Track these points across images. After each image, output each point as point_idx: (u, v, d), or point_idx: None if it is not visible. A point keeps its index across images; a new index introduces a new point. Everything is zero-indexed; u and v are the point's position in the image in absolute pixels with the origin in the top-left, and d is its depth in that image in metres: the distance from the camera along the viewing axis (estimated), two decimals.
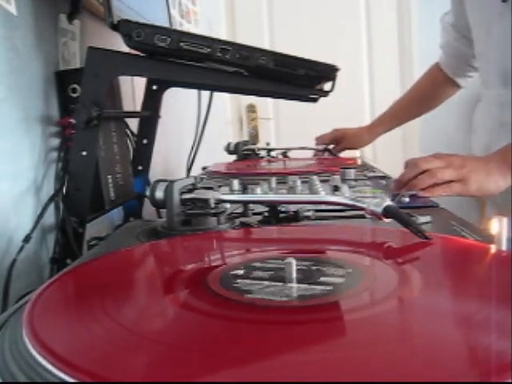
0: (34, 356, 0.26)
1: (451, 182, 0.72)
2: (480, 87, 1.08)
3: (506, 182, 0.76)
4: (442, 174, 0.71)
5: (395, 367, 0.24)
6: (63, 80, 0.77)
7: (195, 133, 1.11)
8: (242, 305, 0.32)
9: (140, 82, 1.01)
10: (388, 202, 0.49)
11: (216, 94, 1.04)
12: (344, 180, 0.86)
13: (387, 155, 2.32)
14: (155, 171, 1.08)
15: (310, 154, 1.40)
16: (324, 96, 0.74)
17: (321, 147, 1.38)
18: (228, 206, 0.58)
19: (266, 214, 0.60)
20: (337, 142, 1.41)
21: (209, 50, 0.65)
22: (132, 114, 1.04)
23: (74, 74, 0.77)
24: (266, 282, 0.35)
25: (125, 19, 0.65)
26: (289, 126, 2.74)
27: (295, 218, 0.59)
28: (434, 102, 1.34)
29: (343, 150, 1.41)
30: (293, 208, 0.60)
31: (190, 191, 0.56)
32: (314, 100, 0.76)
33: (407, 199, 0.67)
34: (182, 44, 0.65)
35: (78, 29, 0.84)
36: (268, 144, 1.53)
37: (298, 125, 2.58)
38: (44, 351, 0.26)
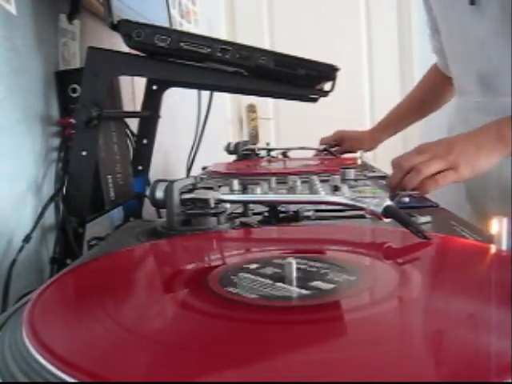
0: (33, 356, 0.26)
1: (442, 172, 0.68)
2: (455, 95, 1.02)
3: (498, 154, 0.71)
4: (428, 168, 0.67)
5: (395, 367, 0.24)
6: (63, 80, 0.77)
7: (195, 133, 1.11)
8: (241, 305, 0.32)
9: (140, 82, 1.01)
10: (388, 202, 0.49)
11: (216, 94, 1.04)
12: (344, 180, 0.85)
13: (387, 155, 2.32)
14: (155, 171, 1.08)
15: (310, 154, 1.40)
16: (324, 96, 0.74)
17: (321, 147, 1.38)
18: (228, 205, 0.58)
19: (266, 213, 0.60)
20: (338, 144, 1.41)
21: (209, 49, 0.65)
22: (132, 114, 1.04)
23: (74, 74, 0.77)
24: (266, 282, 0.35)
25: (125, 19, 0.65)
26: (289, 125, 2.74)
27: (295, 217, 0.59)
28: (434, 104, 1.31)
29: (343, 152, 1.41)
30: (293, 208, 0.60)
31: (190, 191, 0.56)
32: (314, 100, 0.76)
33: (407, 199, 0.67)
34: (182, 44, 0.65)
35: (78, 29, 0.84)
36: (268, 144, 1.53)
37: (298, 125, 2.58)
38: (44, 351, 0.26)
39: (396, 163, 0.71)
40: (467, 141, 0.72)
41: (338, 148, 1.40)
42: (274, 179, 0.76)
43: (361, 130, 1.44)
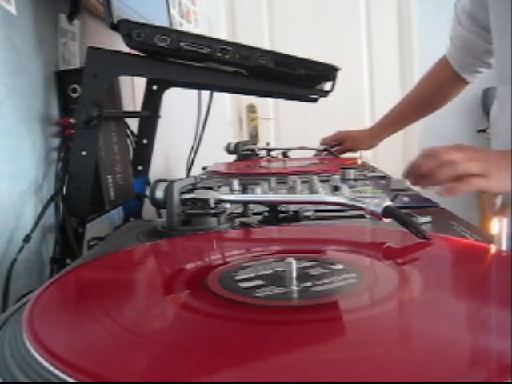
0: (33, 356, 0.26)
1: (472, 176, 0.67)
2: (495, 82, 0.94)
3: None
4: (465, 167, 0.66)
5: (395, 367, 0.24)
6: (63, 80, 0.77)
7: (195, 133, 1.11)
8: (241, 305, 0.32)
9: (140, 82, 1.01)
10: (388, 202, 0.49)
11: (216, 94, 1.04)
12: (344, 180, 0.85)
13: (387, 155, 2.32)
14: (155, 171, 1.08)
15: (310, 154, 1.40)
16: (324, 96, 0.74)
17: (321, 147, 1.38)
18: (228, 206, 0.58)
19: (266, 214, 0.60)
20: (339, 144, 1.41)
21: (209, 49, 0.65)
22: (132, 114, 1.04)
23: (74, 74, 0.77)
24: (266, 282, 0.35)
25: (125, 19, 0.65)
26: (289, 125, 2.74)
27: (295, 217, 0.59)
28: (439, 101, 1.27)
29: (344, 152, 1.41)
30: (293, 208, 0.60)
31: (190, 191, 0.56)
32: (314, 100, 0.76)
33: (407, 199, 0.66)
34: (182, 44, 0.65)
35: (77, 29, 0.84)
36: (268, 144, 1.53)
37: (298, 125, 2.58)
38: (44, 351, 0.26)
39: (432, 152, 0.69)
40: (503, 158, 0.71)
41: (338, 148, 1.40)
42: (274, 179, 0.76)
43: (361, 130, 1.43)
